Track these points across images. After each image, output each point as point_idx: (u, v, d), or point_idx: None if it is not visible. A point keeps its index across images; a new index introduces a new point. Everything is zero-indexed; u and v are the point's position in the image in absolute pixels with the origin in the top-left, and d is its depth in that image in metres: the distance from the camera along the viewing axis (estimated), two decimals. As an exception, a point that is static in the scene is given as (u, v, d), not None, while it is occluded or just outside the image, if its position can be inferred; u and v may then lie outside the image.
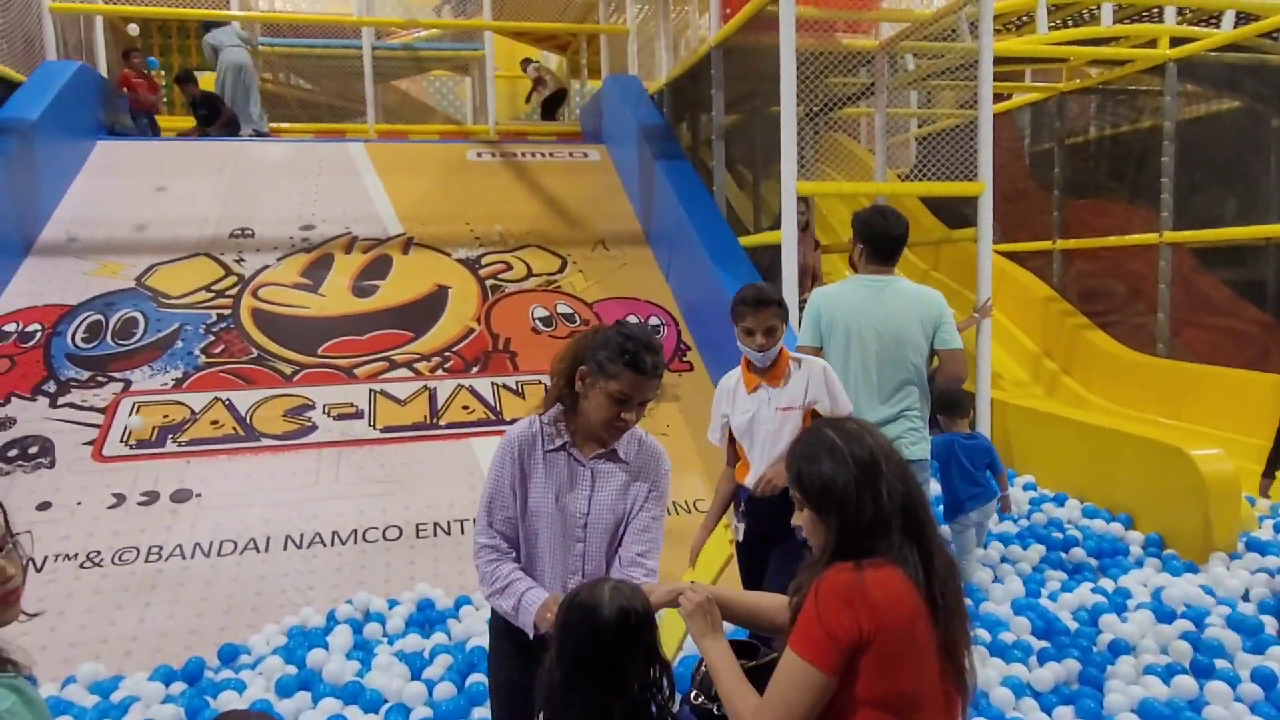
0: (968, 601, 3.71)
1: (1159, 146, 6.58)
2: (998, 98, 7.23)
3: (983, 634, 3.44)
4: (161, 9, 8.22)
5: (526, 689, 1.89)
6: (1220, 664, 3.23)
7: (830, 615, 1.52)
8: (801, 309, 4.04)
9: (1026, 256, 7.82)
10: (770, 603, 1.93)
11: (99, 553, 4.11)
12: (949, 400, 4.17)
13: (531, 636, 1.97)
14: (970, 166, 5.31)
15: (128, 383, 5.16)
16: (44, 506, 4.33)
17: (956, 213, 7.28)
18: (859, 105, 6.97)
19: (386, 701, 3.08)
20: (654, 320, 6.13)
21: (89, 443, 4.74)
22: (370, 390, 5.32)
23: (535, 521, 2.10)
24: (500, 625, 2.15)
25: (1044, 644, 3.40)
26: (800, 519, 1.69)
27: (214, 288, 5.93)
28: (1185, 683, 3.07)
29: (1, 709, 1.29)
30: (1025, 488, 5.13)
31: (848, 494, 1.61)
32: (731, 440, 3.13)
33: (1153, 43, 6.74)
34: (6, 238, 5.79)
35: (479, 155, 7.77)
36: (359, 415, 5.13)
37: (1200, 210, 6.61)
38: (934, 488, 4.25)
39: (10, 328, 5.38)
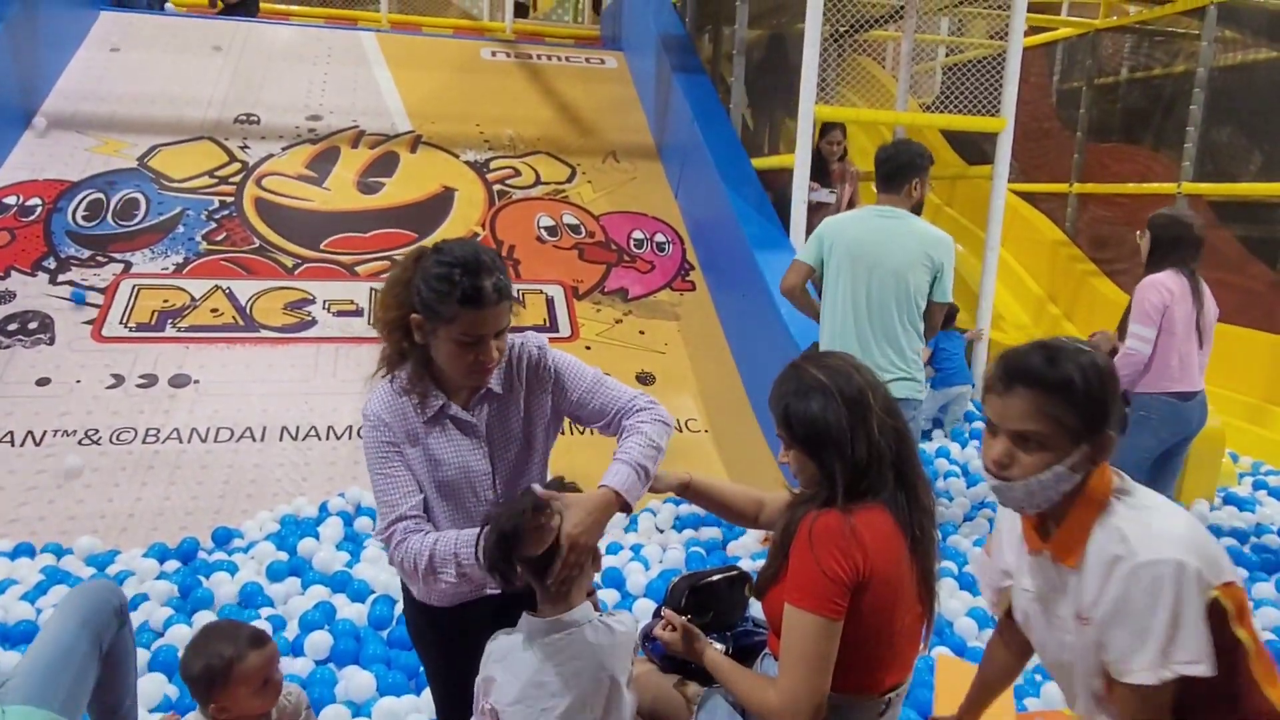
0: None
1: (1189, 93, 6.41)
2: (1031, 30, 6.99)
3: (950, 566, 3.53)
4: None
5: (463, 670, 1.76)
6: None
7: (828, 559, 1.53)
8: None
9: (1041, 198, 7.69)
10: (740, 497, 2.01)
11: (97, 431, 4.17)
12: None
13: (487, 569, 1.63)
14: (994, 101, 5.18)
15: (128, 264, 5.14)
16: (43, 382, 4.37)
17: (977, 148, 7.12)
18: (887, 28, 6.75)
19: (374, 592, 3.18)
20: (659, 237, 6.08)
21: (89, 322, 4.75)
22: (371, 288, 5.30)
23: (440, 498, 1.79)
24: (421, 615, 1.89)
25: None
26: (787, 457, 1.69)
27: (217, 173, 5.85)
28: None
29: None
30: (1015, 429, 5.19)
31: (840, 434, 1.59)
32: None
33: (1197, -18, 6.48)
34: (7, 108, 5.68)
35: (493, 55, 7.56)
36: (359, 313, 5.13)
37: (1223, 163, 6.48)
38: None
39: (10, 200, 5.32)
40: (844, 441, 1.59)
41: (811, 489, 1.65)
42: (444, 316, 1.65)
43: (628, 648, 1.69)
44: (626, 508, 1.66)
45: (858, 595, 1.54)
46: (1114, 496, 1.47)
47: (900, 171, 3.37)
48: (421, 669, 2.71)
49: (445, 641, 1.87)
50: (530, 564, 1.60)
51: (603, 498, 1.62)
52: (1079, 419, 1.43)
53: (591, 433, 1.96)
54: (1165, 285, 3.36)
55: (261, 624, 2.87)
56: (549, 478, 1.92)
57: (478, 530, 1.64)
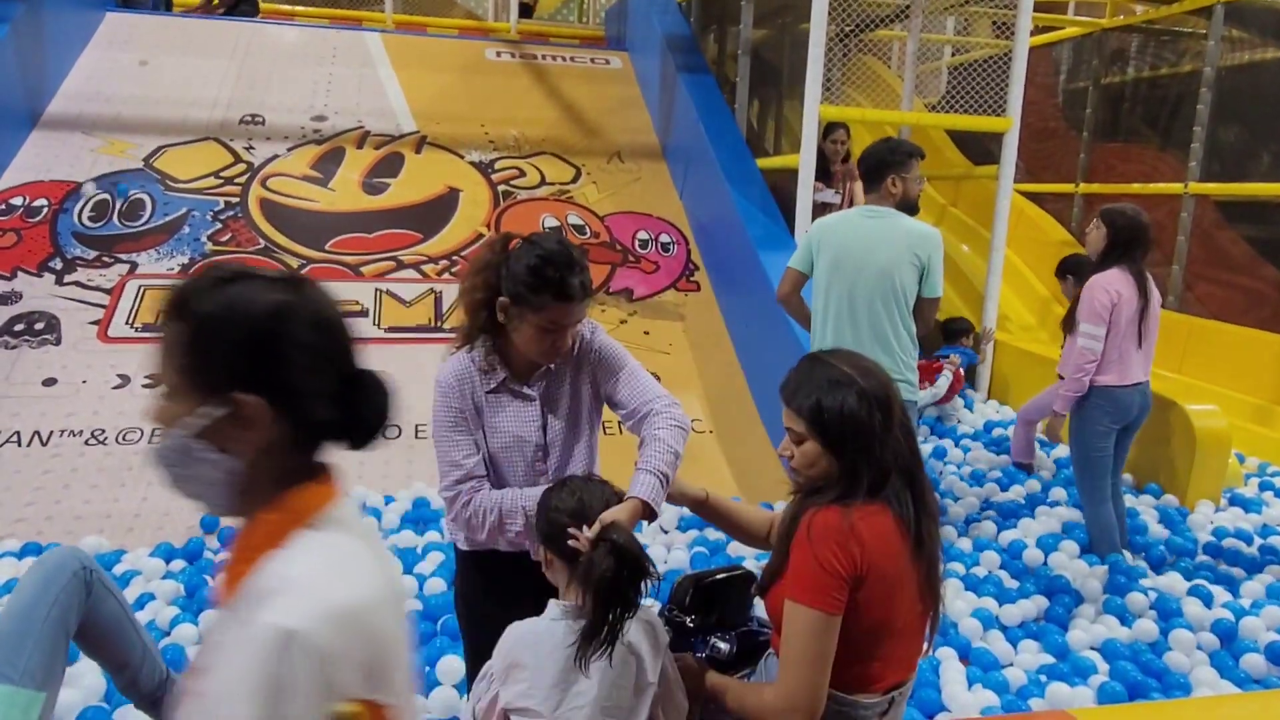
0: (950, 530, 3.81)
1: (1195, 93, 6.39)
2: (1037, 30, 6.98)
3: (957, 567, 3.54)
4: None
5: (506, 620, 1.81)
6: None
7: (827, 554, 1.54)
8: None
9: (1047, 198, 7.68)
10: (752, 517, 2.02)
11: (103, 431, 4.19)
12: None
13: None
14: (1000, 101, 5.17)
15: (134, 265, 5.15)
16: (49, 382, 4.39)
17: (982, 148, 7.12)
18: (892, 28, 6.73)
19: (379, 592, 3.17)
20: (664, 237, 6.07)
21: (94, 322, 4.76)
22: (376, 289, 5.31)
23: (492, 466, 1.97)
24: (472, 561, 2.03)
25: (1015, 583, 3.48)
26: (791, 449, 1.68)
27: (223, 174, 5.87)
28: (1146, 626, 3.16)
29: None
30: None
31: (870, 432, 1.58)
32: None
33: (1204, -19, 6.46)
34: (13, 109, 5.70)
35: (498, 55, 7.56)
36: (364, 314, 5.14)
37: (1230, 163, 6.46)
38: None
39: (17, 201, 5.34)
40: (873, 440, 1.59)
41: (820, 484, 1.64)
42: (533, 305, 1.81)
43: (651, 632, 1.70)
44: (652, 515, 1.77)
45: (855, 590, 1.55)
46: (312, 524, 0.98)
47: (875, 170, 3.36)
48: (429, 668, 2.72)
49: (493, 588, 1.96)
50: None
51: (633, 508, 1.73)
52: (187, 356, 0.96)
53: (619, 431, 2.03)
54: (1114, 286, 3.50)
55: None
56: (596, 464, 2.02)
57: (543, 490, 1.81)
